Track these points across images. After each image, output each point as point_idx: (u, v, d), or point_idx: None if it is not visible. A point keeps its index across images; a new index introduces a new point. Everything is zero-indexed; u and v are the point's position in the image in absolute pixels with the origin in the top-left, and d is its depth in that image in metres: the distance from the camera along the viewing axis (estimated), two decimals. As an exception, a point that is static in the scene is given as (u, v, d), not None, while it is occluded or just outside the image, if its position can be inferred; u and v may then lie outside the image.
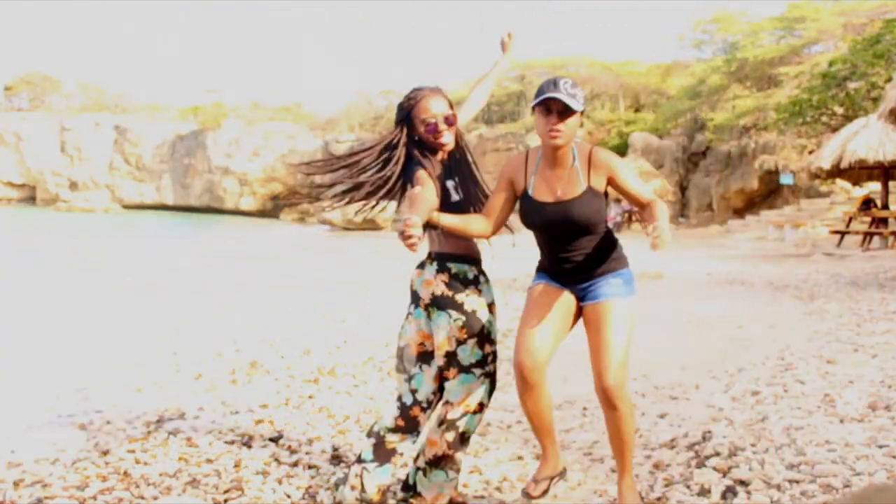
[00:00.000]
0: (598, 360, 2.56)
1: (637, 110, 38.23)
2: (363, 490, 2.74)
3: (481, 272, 2.86)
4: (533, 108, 2.61)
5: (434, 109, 2.78)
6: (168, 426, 3.86)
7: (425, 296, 2.78)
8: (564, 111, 2.55)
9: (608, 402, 2.54)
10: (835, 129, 20.46)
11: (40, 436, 3.72)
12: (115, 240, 23.91)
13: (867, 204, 17.39)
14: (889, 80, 17.72)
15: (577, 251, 2.65)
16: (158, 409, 4.20)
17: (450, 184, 2.83)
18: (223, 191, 46.78)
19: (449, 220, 2.67)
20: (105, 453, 3.43)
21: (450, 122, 2.81)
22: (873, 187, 20.29)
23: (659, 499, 2.87)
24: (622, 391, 2.53)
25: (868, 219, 16.88)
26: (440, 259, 2.79)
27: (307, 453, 3.45)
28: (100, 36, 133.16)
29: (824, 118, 22.47)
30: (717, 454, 3.16)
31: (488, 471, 3.28)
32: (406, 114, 2.82)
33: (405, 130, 2.82)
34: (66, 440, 3.64)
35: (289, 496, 2.99)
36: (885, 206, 16.86)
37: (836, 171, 16.62)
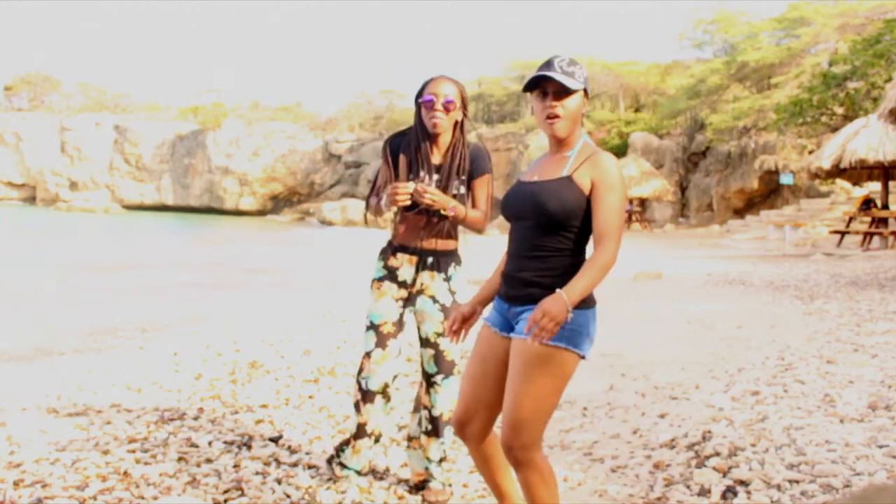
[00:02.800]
0: (503, 413, 2.19)
1: (637, 110, 38.23)
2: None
3: (382, 250, 3.09)
4: (529, 93, 2.30)
5: (438, 90, 2.92)
6: (168, 426, 3.86)
7: None
8: (562, 91, 2.22)
9: (513, 465, 2.19)
10: (835, 129, 20.48)
11: (40, 436, 3.72)
12: (115, 240, 23.91)
13: (867, 204, 17.40)
14: (889, 80, 17.72)
15: (528, 254, 2.21)
16: (158, 409, 4.20)
17: (426, 176, 2.95)
18: (223, 191, 46.78)
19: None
20: (105, 453, 3.43)
21: (448, 107, 2.92)
22: (873, 187, 20.29)
23: (659, 499, 2.87)
24: (524, 455, 2.14)
25: (868, 219, 16.89)
26: None
27: (307, 453, 3.46)
28: (100, 36, 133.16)
29: (824, 118, 22.48)
30: (717, 454, 3.16)
31: (488, 471, 3.27)
32: (420, 90, 2.98)
33: (417, 108, 2.99)
34: (66, 440, 3.64)
35: (288, 496, 2.99)
36: (885, 206, 16.86)
37: (836, 171, 16.63)
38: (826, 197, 24.36)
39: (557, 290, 2.04)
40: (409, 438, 3.15)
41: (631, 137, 31.89)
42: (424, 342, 3.03)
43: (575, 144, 2.27)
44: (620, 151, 31.65)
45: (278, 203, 46.62)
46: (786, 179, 24.66)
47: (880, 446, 3.10)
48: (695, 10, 37.96)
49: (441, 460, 3.06)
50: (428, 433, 3.04)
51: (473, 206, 3.04)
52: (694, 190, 30.29)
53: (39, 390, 4.67)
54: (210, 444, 3.58)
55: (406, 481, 3.17)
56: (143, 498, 2.93)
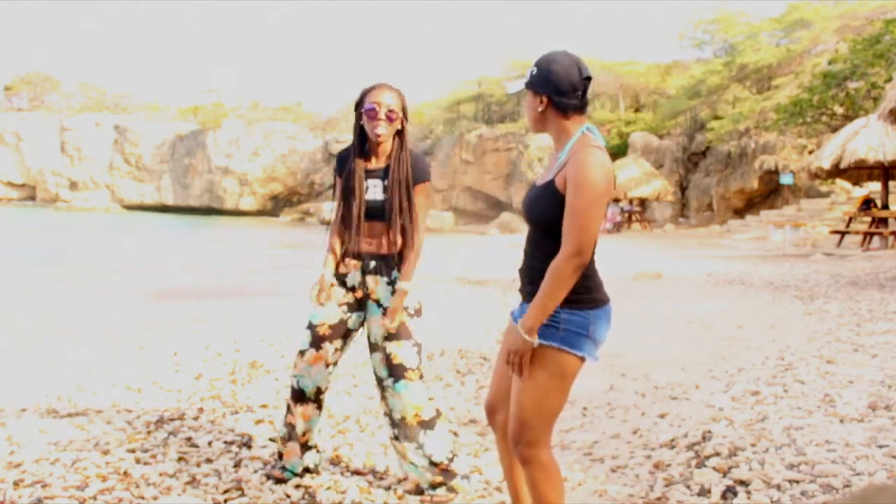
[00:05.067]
0: (510, 410, 2.24)
1: (637, 110, 38.23)
2: None
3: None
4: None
5: (380, 98, 2.95)
6: (168, 426, 3.86)
7: None
8: (520, 94, 2.33)
9: (519, 461, 2.22)
10: (835, 129, 20.48)
11: (40, 436, 3.72)
12: (115, 240, 23.91)
13: (867, 204, 17.40)
14: (889, 80, 17.72)
15: (531, 253, 2.26)
16: (158, 409, 4.20)
17: (373, 182, 3.00)
18: (223, 191, 46.78)
19: None
20: (105, 453, 3.43)
21: (390, 117, 2.96)
22: (873, 187, 20.30)
23: (659, 499, 2.87)
24: (529, 452, 2.17)
25: (868, 219, 16.89)
26: None
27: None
28: (100, 36, 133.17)
29: (824, 118, 22.48)
30: (717, 454, 3.16)
31: (488, 471, 3.28)
32: (360, 98, 3.00)
33: (357, 116, 3.02)
34: (66, 440, 3.64)
35: (288, 496, 2.99)
36: (885, 206, 16.86)
37: (836, 171, 16.63)
38: (826, 197, 24.37)
39: (518, 322, 2.15)
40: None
41: (631, 137, 31.89)
42: (373, 347, 3.04)
43: (566, 144, 2.20)
44: (620, 151, 31.66)
45: (278, 203, 46.62)
46: (786, 179, 24.68)
47: (880, 446, 3.10)
48: (695, 10, 37.96)
49: (431, 465, 3.01)
50: (396, 438, 3.04)
51: (410, 217, 3.01)
52: (694, 190, 30.30)
53: (39, 390, 4.67)
54: (210, 444, 3.58)
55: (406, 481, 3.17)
56: (143, 498, 2.93)
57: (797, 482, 2.82)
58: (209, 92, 51.60)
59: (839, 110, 22.02)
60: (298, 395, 3.05)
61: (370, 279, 3.02)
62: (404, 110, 3.02)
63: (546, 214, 2.15)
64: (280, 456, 3.15)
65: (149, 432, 3.76)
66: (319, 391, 3.05)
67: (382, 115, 2.93)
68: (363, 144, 3.01)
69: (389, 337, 2.98)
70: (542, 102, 2.21)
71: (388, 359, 2.99)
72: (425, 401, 3.03)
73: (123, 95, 56.80)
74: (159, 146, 48.80)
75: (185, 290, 10.78)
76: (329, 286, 3.03)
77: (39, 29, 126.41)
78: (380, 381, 3.03)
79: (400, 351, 2.98)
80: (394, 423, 3.03)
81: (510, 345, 2.13)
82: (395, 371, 2.98)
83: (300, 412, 3.06)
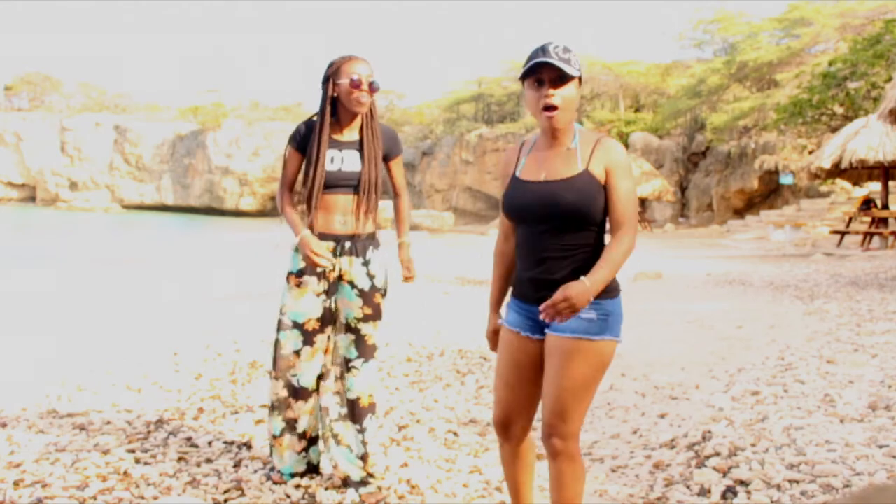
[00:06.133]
0: (547, 407, 2.19)
1: (637, 110, 38.20)
2: None
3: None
4: (522, 81, 2.19)
5: (360, 70, 2.94)
6: (168, 426, 3.86)
7: None
8: (559, 79, 2.13)
9: (549, 454, 2.20)
10: (835, 129, 20.47)
11: (40, 436, 3.72)
12: (115, 239, 23.91)
13: (867, 204, 17.39)
14: (889, 80, 17.71)
15: (556, 255, 2.17)
16: (158, 409, 4.20)
17: (348, 153, 2.97)
18: (223, 191, 46.77)
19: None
20: (105, 453, 3.43)
21: (372, 88, 2.95)
22: (873, 187, 20.29)
23: (659, 499, 2.87)
24: (565, 445, 2.16)
25: (868, 219, 16.89)
26: None
27: (307, 453, 3.45)
28: (100, 36, 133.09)
29: (824, 118, 22.47)
30: (717, 454, 3.16)
31: (488, 471, 3.28)
32: (335, 70, 2.96)
33: (327, 89, 2.97)
34: (66, 440, 3.64)
35: (288, 496, 2.99)
36: (885, 206, 16.86)
37: (836, 171, 16.63)
38: (826, 197, 24.36)
39: (582, 278, 2.07)
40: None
41: (631, 137, 31.88)
42: (346, 328, 3.02)
43: (574, 134, 2.21)
44: (620, 151, 31.61)
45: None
46: (786, 179, 24.67)
47: (880, 446, 3.09)
48: (695, 10, 37.95)
49: (363, 456, 3.02)
50: (343, 417, 3.04)
51: (394, 189, 3.18)
52: (694, 190, 30.30)
53: (39, 390, 4.67)
54: (210, 444, 3.58)
55: (407, 481, 3.17)
56: (143, 498, 2.93)
57: (797, 482, 2.82)
58: (209, 92, 51.59)
59: (839, 110, 22.01)
60: (299, 392, 3.03)
61: (345, 260, 2.99)
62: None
63: (593, 204, 2.13)
64: (270, 453, 3.12)
65: (149, 432, 3.76)
66: (320, 378, 3.06)
67: (366, 87, 2.92)
68: (332, 117, 2.99)
69: (366, 318, 2.99)
70: (580, 92, 2.22)
71: (362, 340, 3.00)
72: (378, 383, 3.13)
73: (123, 95, 56.78)
74: (159, 146, 48.78)
75: (185, 290, 10.78)
76: (318, 244, 2.92)
77: (39, 29, 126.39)
78: (347, 361, 3.03)
79: (375, 332, 3.03)
80: (348, 402, 3.03)
81: (571, 295, 1.99)
82: (367, 352, 3.03)
83: (304, 409, 3.04)
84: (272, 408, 3.08)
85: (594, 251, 2.19)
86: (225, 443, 3.59)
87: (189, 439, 3.64)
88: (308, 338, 2.99)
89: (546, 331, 2.23)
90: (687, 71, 33.87)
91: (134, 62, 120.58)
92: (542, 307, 2.02)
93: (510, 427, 2.34)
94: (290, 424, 3.06)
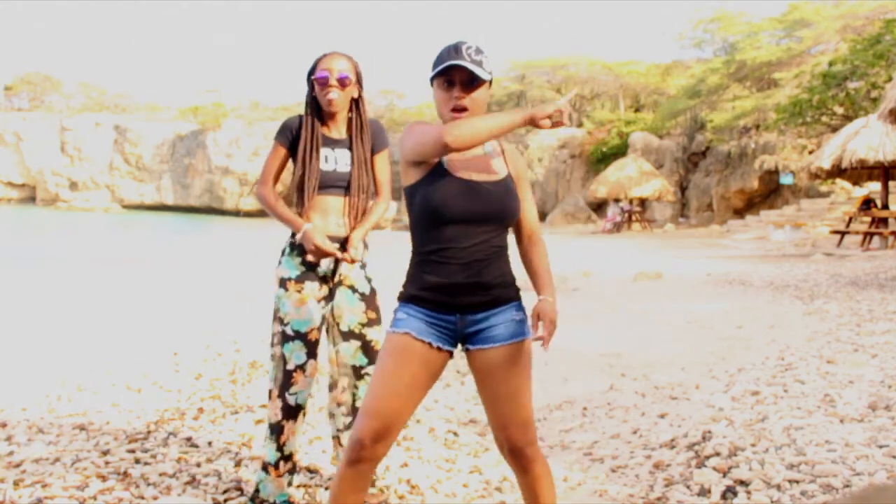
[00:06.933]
0: (504, 418, 2.12)
1: (637, 110, 38.24)
2: None
3: (292, 245, 2.87)
4: (431, 80, 2.13)
5: (332, 65, 2.82)
6: (168, 426, 3.86)
7: None
8: (470, 81, 2.09)
9: (521, 466, 2.13)
10: (835, 129, 20.48)
11: (40, 436, 3.72)
12: (115, 239, 23.92)
13: (867, 204, 17.40)
14: (889, 80, 17.71)
15: (484, 257, 2.10)
16: (158, 409, 4.20)
17: (340, 152, 2.87)
18: (223, 191, 46.78)
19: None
20: (105, 453, 3.43)
21: (343, 83, 2.82)
22: (873, 187, 20.29)
23: (659, 499, 2.87)
24: (534, 450, 2.14)
25: (868, 219, 16.89)
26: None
27: (307, 453, 3.45)
28: (100, 36, 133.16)
29: (824, 118, 22.48)
30: (717, 454, 3.15)
31: (488, 471, 3.28)
32: (311, 71, 2.87)
33: (307, 91, 2.89)
34: (66, 440, 3.64)
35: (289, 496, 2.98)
36: (885, 206, 16.86)
37: (836, 171, 16.63)
38: (826, 197, 24.37)
39: (545, 296, 2.13)
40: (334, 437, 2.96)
41: (631, 137, 31.88)
42: (348, 335, 2.83)
43: None
44: (620, 151, 31.66)
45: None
46: (786, 179, 24.69)
47: (880, 446, 3.09)
48: (695, 9, 37.97)
49: None
50: (348, 426, 2.87)
51: (375, 186, 2.97)
52: (694, 190, 30.30)
53: (39, 390, 4.67)
54: (210, 444, 3.58)
55: (407, 481, 3.17)
56: (143, 498, 2.93)
57: (797, 482, 2.82)
58: (209, 92, 51.59)
59: (839, 110, 22.02)
60: (294, 411, 2.82)
61: (344, 265, 2.84)
62: (359, 77, 2.88)
63: (518, 207, 2.17)
64: (255, 492, 2.87)
65: (149, 432, 3.76)
66: (308, 396, 2.89)
67: (334, 82, 2.80)
68: (317, 116, 2.87)
69: (370, 323, 2.85)
70: (490, 95, 2.20)
71: (369, 345, 2.84)
72: None
73: (123, 95, 56.78)
74: (159, 146, 48.78)
75: (185, 290, 10.78)
76: (324, 236, 2.76)
77: (39, 29, 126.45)
78: (357, 369, 2.83)
79: (379, 336, 2.84)
80: (350, 412, 2.86)
81: (553, 318, 2.08)
82: (375, 357, 2.84)
83: (294, 428, 2.83)
84: (271, 432, 2.83)
85: (505, 249, 2.18)
86: (225, 443, 3.59)
87: (189, 439, 3.64)
88: (311, 349, 2.81)
89: (470, 347, 2.14)
90: (687, 71, 33.91)
91: (134, 62, 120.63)
92: (544, 338, 2.04)
93: (381, 442, 2.07)
94: (281, 448, 2.84)
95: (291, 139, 2.87)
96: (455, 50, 2.08)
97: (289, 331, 2.78)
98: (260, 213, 45.99)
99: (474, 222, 2.09)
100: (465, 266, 2.09)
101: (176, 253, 18.84)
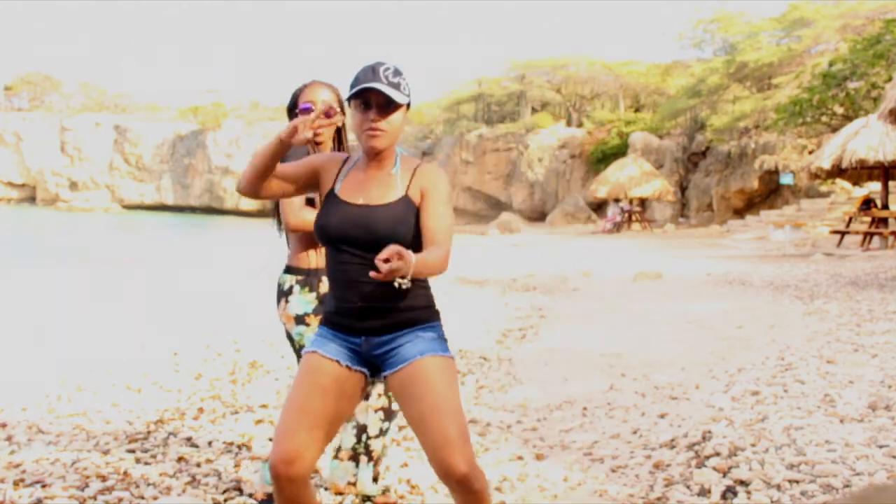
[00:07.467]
0: (437, 439, 1.97)
1: (637, 110, 38.24)
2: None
3: (301, 282, 2.77)
4: (348, 101, 2.11)
5: (315, 96, 2.77)
6: (168, 426, 3.87)
7: None
8: (386, 105, 2.07)
9: (463, 488, 1.98)
10: (835, 129, 20.46)
11: (40, 436, 3.72)
12: (115, 239, 23.92)
13: (867, 204, 17.39)
14: (889, 80, 17.70)
15: (380, 281, 1.97)
16: (158, 409, 4.20)
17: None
18: (223, 191, 46.80)
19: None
20: (105, 453, 3.43)
21: (328, 114, 2.69)
22: (873, 187, 20.29)
23: (659, 499, 2.87)
24: (476, 469, 1.99)
25: (868, 219, 16.89)
26: (284, 270, 2.86)
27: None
28: (100, 36, 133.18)
29: (824, 118, 22.47)
30: (717, 454, 3.15)
31: (488, 471, 3.27)
32: (294, 101, 2.83)
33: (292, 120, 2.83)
34: (66, 440, 3.64)
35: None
36: (885, 206, 16.85)
37: (836, 171, 16.62)
38: (826, 197, 24.36)
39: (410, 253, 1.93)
40: (337, 450, 2.95)
41: (631, 137, 31.88)
42: None
43: (395, 158, 2.15)
44: (620, 151, 31.66)
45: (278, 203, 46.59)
46: (786, 179, 24.67)
47: (880, 446, 3.09)
48: (695, 10, 37.96)
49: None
50: (383, 432, 2.93)
51: None
52: (694, 190, 30.31)
53: (39, 390, 4.67)
54: (210, 444, 3.58)
55: (407, 481, 3.17)
56: (143, 498, 2.93)
57: (797, 482, 2.82)
58: (209, 92, 51.60)
59: (839, 110, 22.01)
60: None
61: None
62: (341, 105, 2.82)
63: (410, 230, 2.06)
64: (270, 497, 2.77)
65: (149, 432, 3.76)
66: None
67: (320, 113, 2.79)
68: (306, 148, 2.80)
69: None
70: (406, 118, 2.15)
71: None
72: None
73: (123, 95, 56.79)
74: (159, 146, 48.79)
75: (185, 290, 10.78)
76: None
77: (39, 29, 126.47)
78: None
79: None
80: (389, 416, 2.91)
81: (406, 257, 1.83)
82: None
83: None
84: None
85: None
86: (225, 443, 3.60)
87: (189, 439, 3.64)
88: None
89: (387, 372, 2.09)
90: (687, 71, 33.90)
91: (134, 62, 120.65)
92: (382, 256, 1.83)
93: (296, 462, 2.01)
94: None
95: None
96: (372, 71, 2.05)
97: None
98: (260, 214, 46.04)
99: (357, 245, 2.06)
100: (357, 291, 2.07)
101: (176, 253, 18.84)
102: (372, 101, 2.05)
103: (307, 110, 2.74)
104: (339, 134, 2.88)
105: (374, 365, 2.13)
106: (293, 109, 2.82)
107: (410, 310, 2.09)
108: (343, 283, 2.09)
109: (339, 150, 2.87)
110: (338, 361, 2.10)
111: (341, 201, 2.10)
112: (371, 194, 2.10)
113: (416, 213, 2.09)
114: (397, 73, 2.08)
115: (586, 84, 39.23)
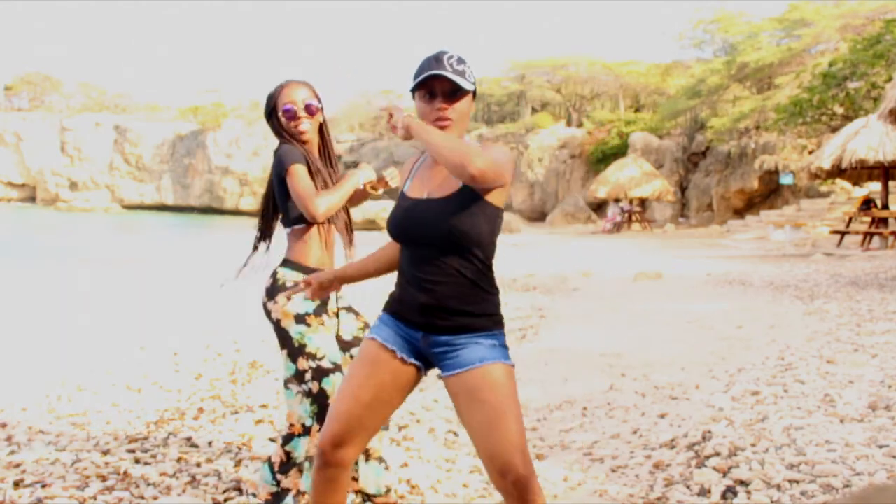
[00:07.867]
0: (501, 441, 1.93)
1: (637, 110, 38.24)
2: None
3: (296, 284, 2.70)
4: (413, 91, 2.08)
5: (294, 96, 2.76)
6: (168, 426, 3.86)
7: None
8: (452, 93, 2.03)
9: (518, 490, 1.92)
10: (835, 129, 20.47)
11: (40, 436, 3.72)
12: (115, 239, 23.91)
13: (867, 204, 17.39)
14: (889, 80, 17.71)
15: (439, 276, 2.01)
16: (158, 409, 4.20)
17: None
18: (223, 191, 46.79)
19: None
20: (105, 453, 3.43)
21: (311, 111, 2.78)
22: (873, 187, 20.29)
23: (659, 499, 2.87)
24: (534, 476, 1.95)
25: (868, 219, 16.89)
26: (281, 264, 2.83)
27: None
28: (100, 36, 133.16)
29: (824, 118, 22.47)
30: (717, 454, 3.16)
31: (488, 471, 3.27)
32: (272, 105, 2.81)
33: (274, 124, 2.82)
34: (66, 440, 3.64)
35: (289, 496, 2.98)
36: (885, 206, 16.85)
37: (836, 171, 16.62)
38: (826, 197, 24.36)
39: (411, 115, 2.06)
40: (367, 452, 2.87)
41: (631, 137, 31.89)
42: (351, 343, 2.83)
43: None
44: (620, 151, 31.66)
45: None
46: (786, 179, 24.68)
47: (880, 446, 3.10)
48: (695, 10, 37.94)
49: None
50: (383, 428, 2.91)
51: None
52: (694, 190, 30.30)
53: (39, 390, 4.67)
54: (210, 444, 3.58)
55: (407, 481, 3.17)
56: (143, 498, 2.93)
57: (797, 482, 2.82)
58: (209, 92, 51.58)
59: (839, 110, 22.01)
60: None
61: (334, 294, 2.81)
62: (320, 101, 2.83)
63: (475, 227, 1.99)
64: (279, 496, 2.73)
65: (149, 432, 3.76)
66: None
67: (302, 113, 2.75)
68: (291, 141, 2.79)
69: (365, 327, 2.89)
70: (473, 106, 2.11)
71: None
72: None
73: (123, 95, 56.77)
74: (159, 146, 48.78)
75: (185, 290, 10.78)
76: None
77: (39, 29, 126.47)
78: None
79: None
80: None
81: (406, 114, 1.99)
82: None
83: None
84: (311, 464, 2.65)
85: (479, 275, 2.03)
86: (225, 443, 3.60)
87: (189, 439, 3.64)
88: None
89: (446, 373, 2.04)
90: (687, 71, 33.90)
91: (134, 62, 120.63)
92: (387, 107, 1.99)
93: (342, 448, 2.04)
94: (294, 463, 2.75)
95: (308, 164, 2.76)
96: (436, 60, 2.02)
97: (326, 364, 2.66)
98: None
99: (418, 244, 2.04)
100: (422, 288, 2.04)
101: (176, 253, 18.84)
102: (437, 89, 2.03)
103: (291, 111, 2.74)
104: (322, 130, 2.87)
105: (427, 360, 2.11)
106: (272, 114, 2.79)
107: (474, 315, 2.03)
108: (408, 277, 2.07)
109: (323, 146, 2.87)
110: (394, 352, 2.09)
111: (407, 198, 2.10)
112: (435, 187, 2.06)
113: (487, 207, 2.00)
114: (461, 60, 2.05)
115: (586, 84, 39.23)
